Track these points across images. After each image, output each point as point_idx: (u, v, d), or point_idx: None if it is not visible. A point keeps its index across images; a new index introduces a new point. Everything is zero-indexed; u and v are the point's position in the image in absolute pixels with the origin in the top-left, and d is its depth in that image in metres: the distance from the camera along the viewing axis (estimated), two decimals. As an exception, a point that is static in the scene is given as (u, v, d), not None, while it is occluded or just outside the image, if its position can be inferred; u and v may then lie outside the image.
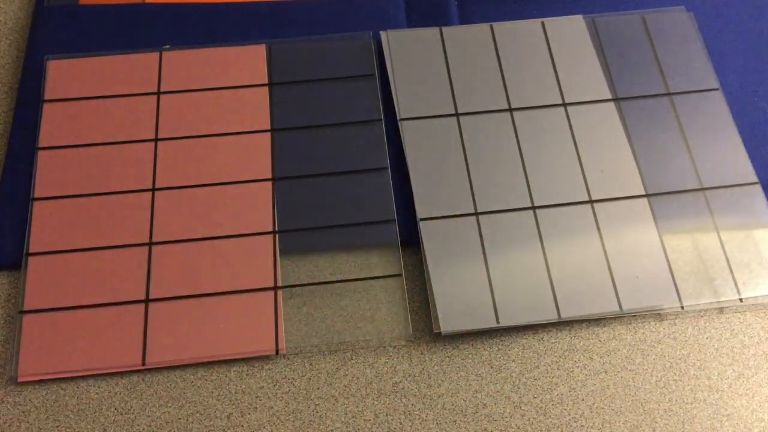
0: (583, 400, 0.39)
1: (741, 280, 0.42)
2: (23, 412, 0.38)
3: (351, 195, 0.44)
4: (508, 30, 0.50)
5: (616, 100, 0.48)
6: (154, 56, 0.48)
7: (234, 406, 0.39)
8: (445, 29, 0.50)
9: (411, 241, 0.43)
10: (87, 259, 0.42)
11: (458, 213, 0.43)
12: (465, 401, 0.39)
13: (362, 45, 0.50)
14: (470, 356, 0.41)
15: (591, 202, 0.44)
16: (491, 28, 0.50)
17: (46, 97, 0.47)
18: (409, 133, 0.46)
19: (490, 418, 0.39)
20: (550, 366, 0.40)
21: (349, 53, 0.49)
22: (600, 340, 0.41)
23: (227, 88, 0.47)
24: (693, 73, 0.49)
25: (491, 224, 0.43)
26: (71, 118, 0.46)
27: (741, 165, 0.46)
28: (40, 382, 0.39)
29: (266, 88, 0.48)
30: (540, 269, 0.42)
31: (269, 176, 0.45)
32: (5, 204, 0.44)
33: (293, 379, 0.40)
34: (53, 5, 0.51)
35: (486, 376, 0.40)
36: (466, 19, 0.52)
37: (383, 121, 0.47)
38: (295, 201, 0.44)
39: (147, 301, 0.41)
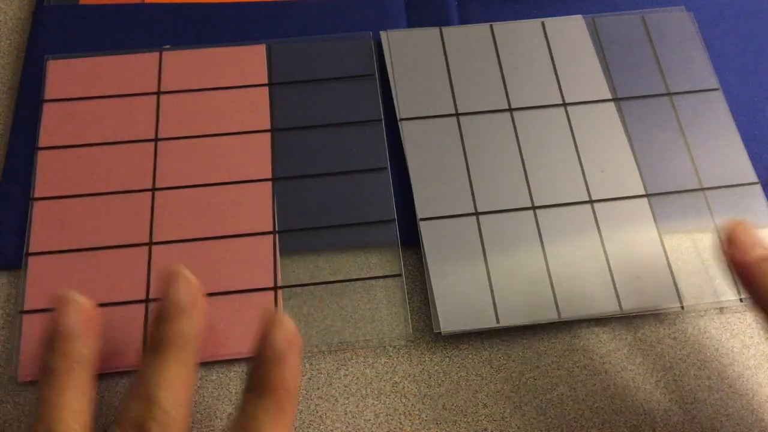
0: (583, 400, 0.39)
1: (741, 280, 0.42)
2: (23, 412, 0.38)
3: (351, 195, 0.44)
4: (508, 30, 0.50)
5: (616, 100, 0.48)
6: (154, 56, 0.48)
7: (234, 406, 0.39)
8: (445, 29, 0.50)
9: (411, 241, 0.43)
10: (87, 259, 0.42)
11: (458, 213, 0.43)
12: (465, 401, 0.39)
13: (362, 45, 0.50)
14: (470, 356, 0.41)
15: (591, 202, 0.44)
16: (491, 28, 0.50)
17: (46, 97, 0.47)
18: (409, 133, 0.46)
19: (490, 418, 0.39)
20: (550, 366, 0.40)
21: (349, 53, 0.49)
22: (600, 340, 0.41)
23: (227, 88, 0.47)
24: (693, 73, 0.49)
25: (491, 224, 0.43)
26: (71, 118, 0.46)
27: (741, 165, 0.46)
28: (40, 382, 0.39)
29: (266, 88, 0.48)
30: (540, 269, 0.42)
31: (269, 176, 0.45)
32: (5, 204, 0.44)
33: (293, 379, 0.40)
34: (53, 5, 0.51)
35: (486, 376, 0.40)
36: (466, 19, 0.52)
37: (383, 121, 0.47)
38: (295, 201, 0.44)
39: (147, 300, 0.41)
